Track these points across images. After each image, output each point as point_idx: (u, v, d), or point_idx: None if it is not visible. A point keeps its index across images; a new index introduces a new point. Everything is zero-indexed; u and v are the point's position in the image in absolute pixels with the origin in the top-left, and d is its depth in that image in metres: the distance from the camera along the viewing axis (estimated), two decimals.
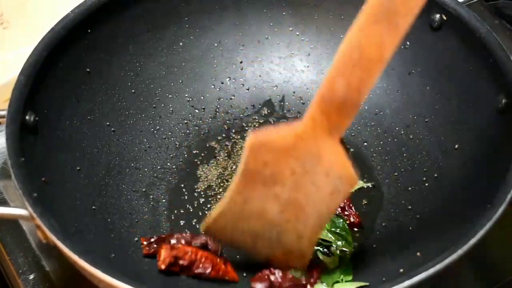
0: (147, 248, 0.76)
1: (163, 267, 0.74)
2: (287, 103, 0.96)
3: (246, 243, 0.71)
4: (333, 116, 0.60)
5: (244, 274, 0.75)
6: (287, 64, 0.97)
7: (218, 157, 0.90)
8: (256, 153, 0.63)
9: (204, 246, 0.76)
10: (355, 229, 0.80)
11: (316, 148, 0.62)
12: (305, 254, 0.71)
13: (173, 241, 0.76)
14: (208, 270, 0.73)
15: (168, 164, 0.88)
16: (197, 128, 0.93)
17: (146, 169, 0.86)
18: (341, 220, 0.78)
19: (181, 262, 0.74)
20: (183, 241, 0.76)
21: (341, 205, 0.79)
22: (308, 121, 0.61)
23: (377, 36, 0.56)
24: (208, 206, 0.84)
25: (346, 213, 0.79)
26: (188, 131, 0.92)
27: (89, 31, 0.82)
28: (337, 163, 0.63)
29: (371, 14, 0.56)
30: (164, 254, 0.74)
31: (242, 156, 0.64)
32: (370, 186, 0.85)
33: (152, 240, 0.77)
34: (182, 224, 0.82)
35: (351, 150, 0.88)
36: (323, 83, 0.59)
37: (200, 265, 0.74)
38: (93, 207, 0.77)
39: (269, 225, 0.68)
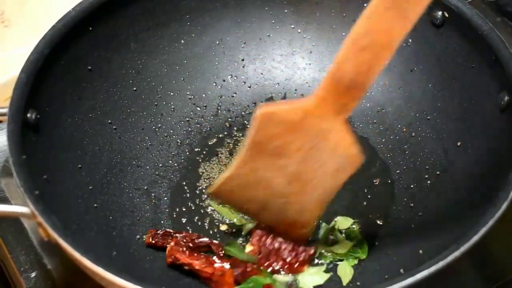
0: (151, 238, 0.77)
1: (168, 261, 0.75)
2: None
3: (251, 210, 0.75)
4: (342, 96, 0.62)
5: None
6: (288, 62, 0.97)
7: (220, 155, 0.90)
8: (265, 126, 0.65)
9: (207, 246, 0.76)
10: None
11: (323, 126, 0.65)
12: (307, 226, 0.75)
13: (179, 236, 0.77)
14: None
15: (170, 162, 0.88)
16: (198, 126, 0.92)
17: (147, 167, 0.86)
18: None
19: (184, 267, 0.75)
20: (188, 239, 0.76)
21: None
22: (318, 99, 0.63)
23: (386, 23, 0.58)
24: (210, 203, 0.84)
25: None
26: (189, 129, 0.92)
27: (90, 29, 0.82)
28: (343, 142, 0.66)
29: (382, 0, 0.57)
30: (167, 253, 0.75)
31: (250, 127, 0.66)
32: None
33: (159, 232, 0.77)
34: (183, 221, 0.82)
35: None
36: (333, 65, 0.61)
37: (199, 277, 0.74)
38: (95, 205, 0.77)
39: (275, 196, 0.71)
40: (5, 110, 0.70)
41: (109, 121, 0.85)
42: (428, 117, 0.86)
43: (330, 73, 0.62)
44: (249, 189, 0.71)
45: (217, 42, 0.95)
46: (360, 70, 0.60)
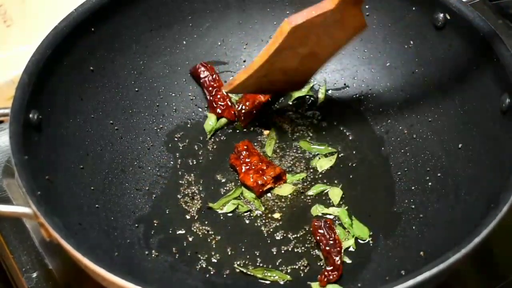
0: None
1: None
2: None
3: (262, 88, 0.87)
4: None
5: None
6: None
7: None
8: (292, 35, 0.75)
9: None
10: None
11: (340, 16, 0.76)
12: (309, 77, 0.89)
13: None
14: None
15: (172, 162, 0.88)
16: (200, 127, 0.92)
17: (149, 168, 0.86)
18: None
19: None
20: None
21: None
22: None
23: None
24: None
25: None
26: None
27: (92, 29, 0.82)
28: (355, 21, 0.78)
29: None
30: None
31: (276, 36, 0.77)
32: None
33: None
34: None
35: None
36: None
37: None
38: (97, 205, 0.77)
39: (287, 72, 0.83)
40: (7, 111, 0.70)
41: (111, 121, 0.85)
42: (430, 119, 0.86)
43: None
44: (265, 77, 0.81)
45: (219, 43, 0.95)
46: None
